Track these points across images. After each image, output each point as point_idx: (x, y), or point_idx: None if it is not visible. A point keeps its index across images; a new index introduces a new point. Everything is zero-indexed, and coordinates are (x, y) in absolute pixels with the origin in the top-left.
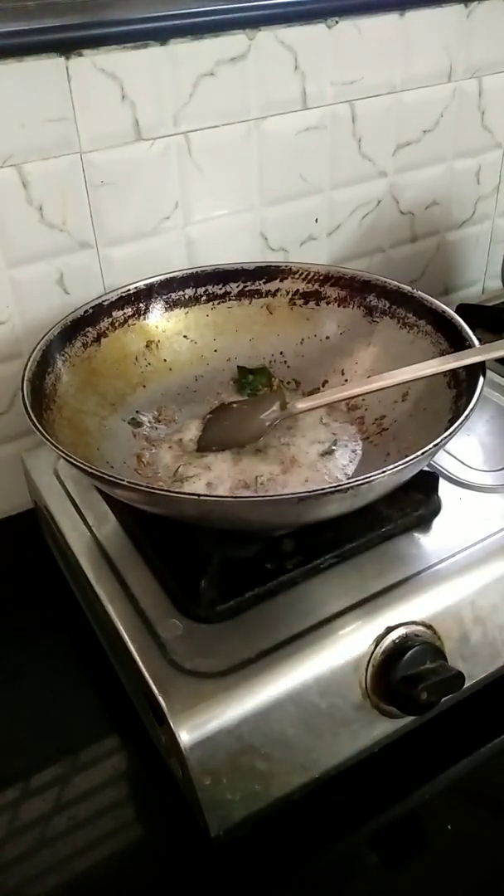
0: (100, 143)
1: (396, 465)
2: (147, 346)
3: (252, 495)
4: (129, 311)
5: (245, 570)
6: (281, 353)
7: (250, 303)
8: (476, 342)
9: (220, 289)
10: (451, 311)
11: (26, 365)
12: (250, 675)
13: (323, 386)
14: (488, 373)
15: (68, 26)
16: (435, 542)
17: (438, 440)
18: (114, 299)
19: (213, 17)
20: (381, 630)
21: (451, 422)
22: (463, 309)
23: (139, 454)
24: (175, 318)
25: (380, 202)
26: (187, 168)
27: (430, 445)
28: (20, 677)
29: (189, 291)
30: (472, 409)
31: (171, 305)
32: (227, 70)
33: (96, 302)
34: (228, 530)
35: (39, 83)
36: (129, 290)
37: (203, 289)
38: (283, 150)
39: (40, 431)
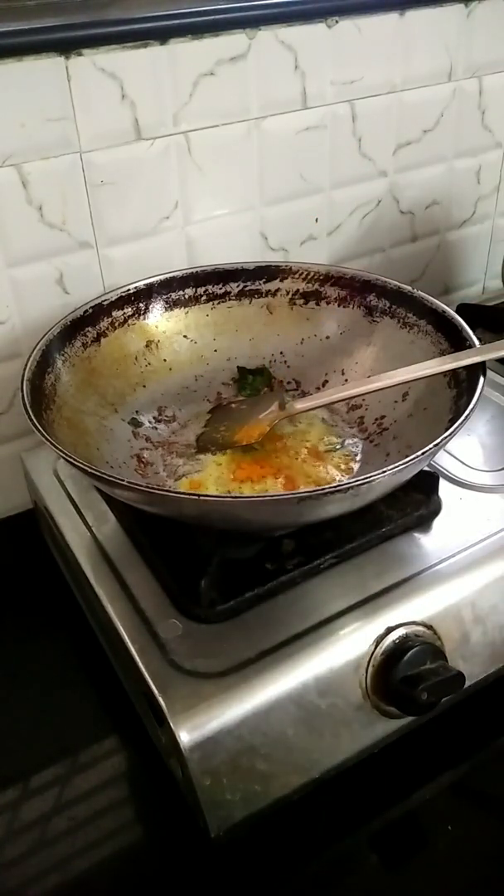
0: (100, 143)
1: (396, 465)
2: (147, 345)
3: (252, 495)
4: (128, 310)
5: (245, 570)
6: (281, 353)
7: (250, 303)
8: (476, 342)
9: (220, 289)
10: (451, 311)
11: (26, 365)
12: (250, 675)
13: (323, 386)
14: (489, 373)
15: (68, 26)
16: (435, 542)
17: (439, 440)
18: (114, 299)
19: (213, 17)
20: (381, 630)
21: (452, 422)
22: (463, 309)
23: (139, 454)
24: (175, 318)
25: (380, 202)
26: (187, 168)
27: (431, 445)
28: (20, 677)
29: (189, 291)
30: (472, 409)
31: (171, 305)
32: (227, 70)
33: (96, 302)
34: (228, 530)
35: (39, 83)
36: (128, 289)
37: (203, 289)
38: (283, 150)
39: (40, 431)
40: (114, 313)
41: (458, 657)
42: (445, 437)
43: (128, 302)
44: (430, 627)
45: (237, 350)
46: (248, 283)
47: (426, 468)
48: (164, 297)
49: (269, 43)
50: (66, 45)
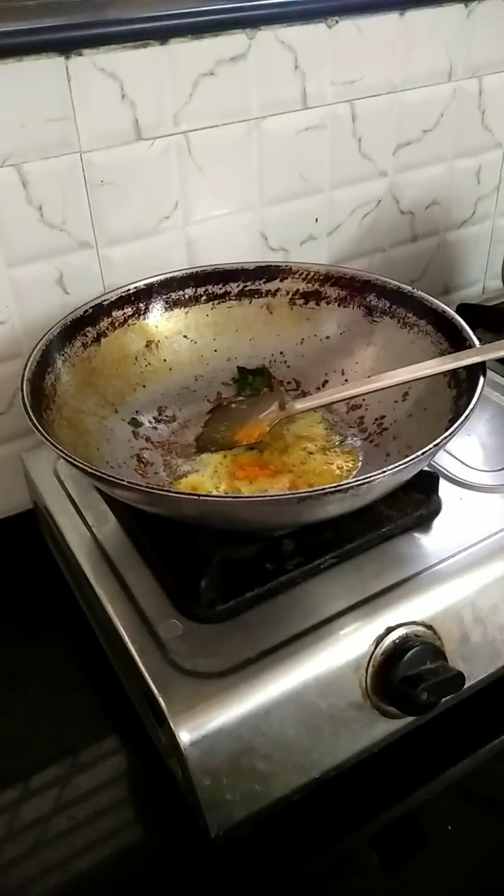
0: (100, 143)
1: (396, 465)
2: (147, 345)
3: (252, 495)
4: (128, 310)
5: (245, 570)
6: (281, 353)
7: (250, 303)
8: (476, 342)
9: (220, 289)
10: (451, 311)
11: (26, 365)
12: (250, 675)
13: (323, 386)
14: (488, 373)
15: (68, 26)
16: (435, 542)
17: (439, 440)
18: (113, 299)
19: (213, 17)
20: (381, 630)
21: (452, 422)
22: (463, 309)
23: (139, 454)
24: (175, 318)
25: (380, 202)
26: (187, 168)
27: (431, 445)
28: (20, 677)
29: (189, 291)
30: (472, 409)
31: (171, 305)
32: (228, 69)
33: (96, 302)
34: (228, 530)
35: (39, 83)
36: (128, 289)
37: (203, 289)
38: (283, 150)
39: (40, 431)
40: (114, 313)
41: (458, 657)
42: (445, 437)
43: (128, 302)
44: (430, 627)
45: (237, 350)
46: (248, 283)
47: (426, 468)
48: (164, 297)
49: (269, 43)
50: (66, 45)
